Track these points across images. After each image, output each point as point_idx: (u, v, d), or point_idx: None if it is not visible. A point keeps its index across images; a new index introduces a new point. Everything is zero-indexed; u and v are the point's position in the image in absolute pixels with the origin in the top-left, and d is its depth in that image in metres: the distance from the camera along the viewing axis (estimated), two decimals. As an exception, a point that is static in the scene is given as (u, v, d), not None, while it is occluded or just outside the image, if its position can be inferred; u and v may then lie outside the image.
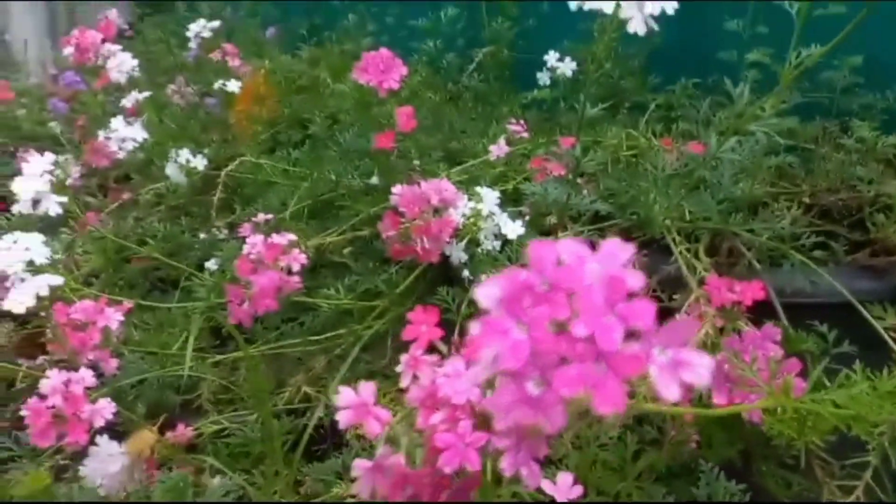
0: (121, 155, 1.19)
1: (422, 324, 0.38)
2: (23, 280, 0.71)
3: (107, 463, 0.74)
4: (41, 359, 0.73)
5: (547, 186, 0.69)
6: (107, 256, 1.12)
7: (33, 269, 0.74)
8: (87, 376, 0.67)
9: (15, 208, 0.72)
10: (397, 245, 0.76)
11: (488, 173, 0.90)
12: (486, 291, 0.23)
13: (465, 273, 0.86)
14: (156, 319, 0.96)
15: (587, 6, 0.50)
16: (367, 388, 0.38)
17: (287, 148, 1.18)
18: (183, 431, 0.78)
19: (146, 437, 0.77)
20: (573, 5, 0.50)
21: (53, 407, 0.65)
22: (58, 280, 0.67)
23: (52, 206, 0.73)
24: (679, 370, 0.21)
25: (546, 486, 0.50)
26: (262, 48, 1.74)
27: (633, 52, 1.19)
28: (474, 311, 0.81)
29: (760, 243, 0.66)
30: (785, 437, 0.54)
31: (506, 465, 0.32)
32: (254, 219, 0.92)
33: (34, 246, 0.76)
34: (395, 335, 0.88)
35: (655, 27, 0.47)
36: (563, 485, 0.49)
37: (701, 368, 0.21)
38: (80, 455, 0.88)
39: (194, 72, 1.54)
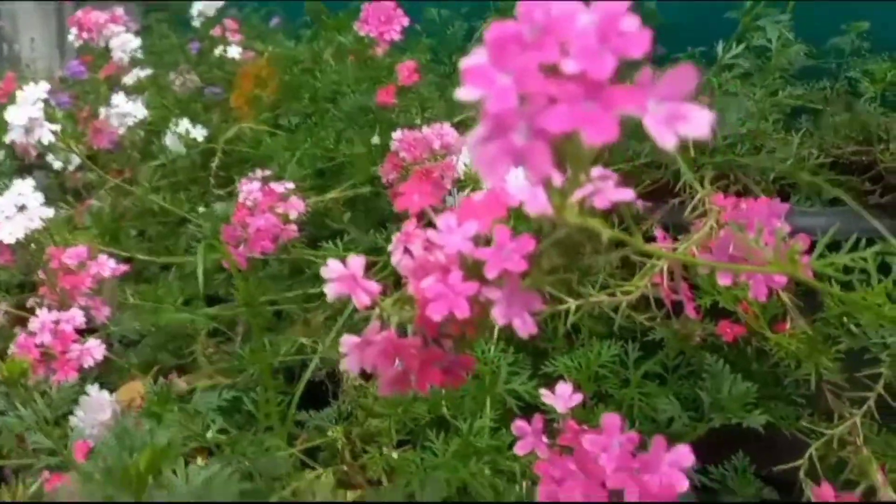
0: (121, 131, 1.19)
1: (414, 193, 0.36)
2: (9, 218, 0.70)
3: (97, 412, 0.73)
4: (31, 300, 0.72)
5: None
6: (104, 229, 1.11)
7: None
8: (77, 316, 0.66)
9: (7, 137, 0.71)
10: (397, 191, 0.75)
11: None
12: (471, 59, 0.21)
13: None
14: (150, 286, 0.95)
15: None
16: (356, 261, 0.36)
17: (288, 118, 1.17)
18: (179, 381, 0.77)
19: (137, 386, 0.75)
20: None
21: (42, 345, 0.64)
22: (48, 212, 0.65)
23: (45, 133, 0.72)
24: (676, 123, 0.20)
25: (546, 395, 0.48)
26: (266, 35, 1.74)
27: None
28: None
29: (769, 179, 0.64)
30: (796, 358, 0.52)
31: (498, 315, 0.31)
32: (251, 174, 0.91)
33: (27, 192, 0.75)
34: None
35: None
36: (563, 393, 0.47)
37: (700, 120, 0.20)
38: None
39: (196, 63, 1.55)
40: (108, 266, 0.74)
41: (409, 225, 0.39)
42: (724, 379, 0.49)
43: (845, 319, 0.56)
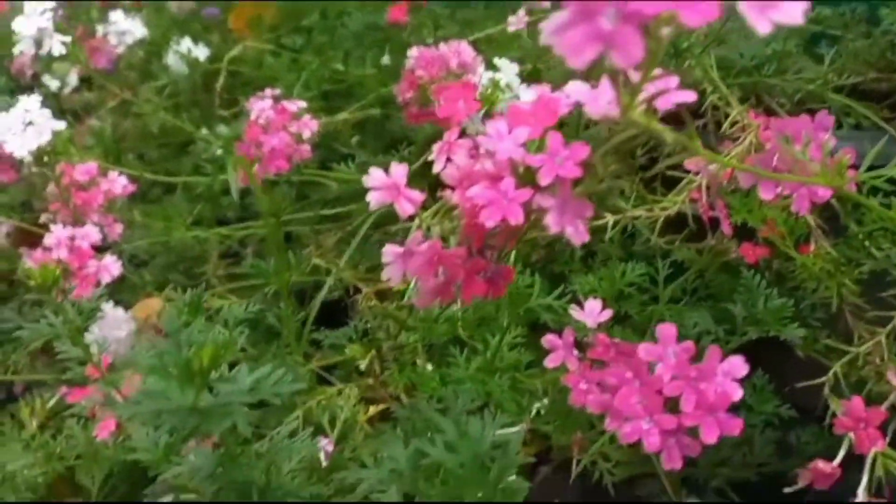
0: (120, 49, 1.15)
1: (458, 99, 0.35)
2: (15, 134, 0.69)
3: (114, 329, 0.73)
4: (44, 216, 0.71)
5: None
6: (107, 149, 1.10)
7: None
8: (92, 232, 0.65)
9: (16, 49, 0.69)
10: (414, 109, 0.73)
11: (508, 49, 0.86)
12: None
13: (481, 149, 0.84)
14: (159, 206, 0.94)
15: None
16: (399, 169, 0.36)
17: (292, 39, 1.14)
18: (191, 300, 0.76)
19: (152, 303, 0.75)
20: None
21: (59, 260, 0.63)
22: (59, 125, 0.64)
23: (56, 45, 0.70)
24: (769, 10, 0.19)
25: (575, 311, 0.48)
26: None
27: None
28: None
29: (794, 101, 0.63)
30: (818, 280, 0.52)
31: (552, 223, 0.30)
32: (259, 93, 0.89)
33: (34, 108, 0.73)
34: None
35: None
36: (593, 309, 0.47)
37: (792, 8, 0.19)
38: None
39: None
40: (119, 183, 0.73)
41: (450, 134, 0.38)
42: (758, 293, 0.49)
43: (867, 243, 0.56)
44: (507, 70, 0.80)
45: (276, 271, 0.72)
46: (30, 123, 0.72)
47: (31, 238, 1.13)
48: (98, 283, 0.64)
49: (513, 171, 0.31)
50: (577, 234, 0.30)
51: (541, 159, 0.31)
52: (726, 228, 0.42)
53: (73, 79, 1.34)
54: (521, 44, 0.96)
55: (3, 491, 0.49)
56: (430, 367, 0.50)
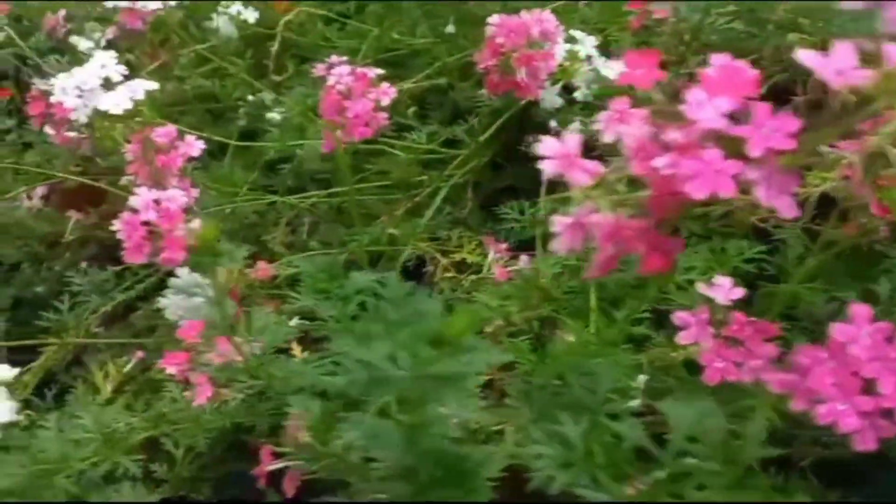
0: (161, 9, 1.12)
1: (640, 66, 0.34)
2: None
3: (189, 294, 0.72)
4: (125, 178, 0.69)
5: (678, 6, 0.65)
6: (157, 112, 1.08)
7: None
8: (178, 195, 0.64)
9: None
10: (494, 77, 0.72)
11: (580, 19, 0.85)
12: None
13: (553, 123, 0.83)
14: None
15: None
16: (573, 139, 0.35)
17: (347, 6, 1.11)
18: (265, 268, 0.76)
19: (227, 270, 0.74)
20: None
21: (148, 223, 0.62)
22: (152, 84, 0.63)
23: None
24: None
25: (703, 288, 0.48)
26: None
27: None
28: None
29: None
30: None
31: (761, 196, 0.30)
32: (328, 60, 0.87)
33: (109, 63, 0.72)
34: (475, 185, 0.85)
35: None
36: (723, 285, 0.47)
37: None
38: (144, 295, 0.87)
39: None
40: (197, 146, 0.72)
41: (619, 102, 0.37)
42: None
43: None
44: (586, 41, 0.79)
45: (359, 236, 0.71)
46: (106, 80, 0.70)
47: (76, 200, 1.12)
48: (186, 248, 0.63)
49: (717, 142, 0.31)
50: (788, 208, 0.30)
51: (747, 130, 0.30)
52: (875, 207, 0.41)
53: (103, 40, 1.31)
54: (581, 16, 0.95)
55: (106, 451, 0.49)
56: (569, 337, 0.49)
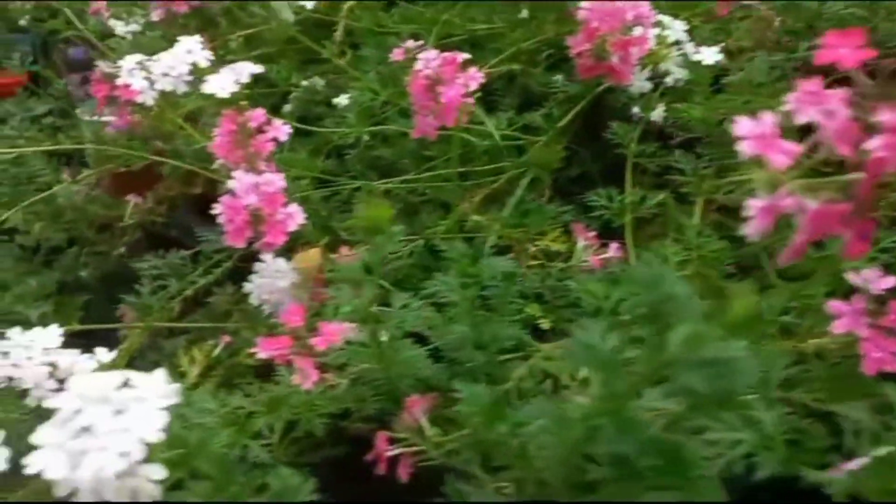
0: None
1: (840, 46, 0.33)
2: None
3: (275, 279, 0.71)
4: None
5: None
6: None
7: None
8: (276, 179, 0.63)
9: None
10: (587, 62, 0.71)
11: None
12: None
13: (635, 109, 0.82)
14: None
15: None
16: (768, 119, 0.34)
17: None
18: (350, 253, 0.75)
19: (313, 255, 0.73)
20: None
21: (249, 206, 0.62)
22: (259, 68, 0.62)
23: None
24: None
25: (852, 277, 0.47)
26: None
27: None
28: (646, 147, 0.75)
29: None
30: None
31: None
32: (403, 44, 0.86)
33: (195, 48, 0.71)
34: (552, 172, 0.84)
35: None
36: (871, 275, 0.46)
37: None
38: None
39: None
40: (284, 131, 0.70)
41: (811, 84, 0.36)
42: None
43: None
44: (675, 26, 0.78)
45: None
46: (193, 64, 0.69)
47: (130, 184, 1.11)
48: (287, 231, 0.63)
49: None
50: None
51: None
52: None
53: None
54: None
55: (239, 436, 0.48)
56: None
